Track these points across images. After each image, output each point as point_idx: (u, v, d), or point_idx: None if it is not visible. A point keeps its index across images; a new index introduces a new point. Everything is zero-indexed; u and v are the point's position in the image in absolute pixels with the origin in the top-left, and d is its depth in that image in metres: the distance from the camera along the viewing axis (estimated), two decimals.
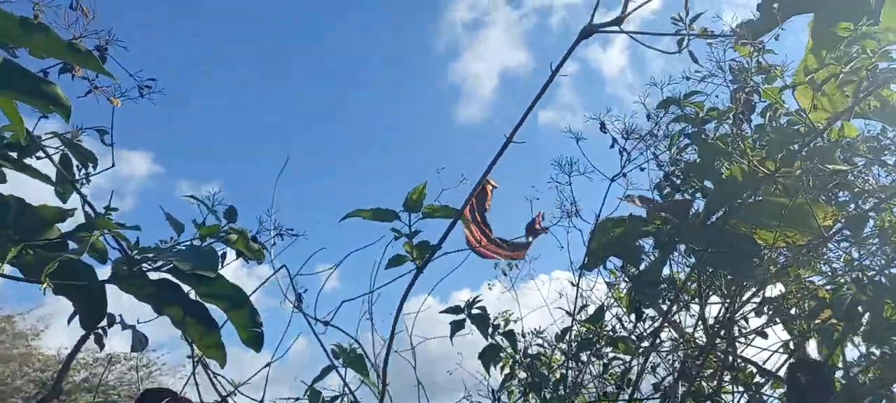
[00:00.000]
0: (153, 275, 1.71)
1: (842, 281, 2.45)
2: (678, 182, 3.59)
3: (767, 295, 3.41)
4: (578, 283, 3.19)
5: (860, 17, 2.63)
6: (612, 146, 2.88)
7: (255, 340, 1.73)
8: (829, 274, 2.93)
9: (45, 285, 1.64)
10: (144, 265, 1.69)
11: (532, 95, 1.94)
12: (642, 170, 3.48)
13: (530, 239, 3.22)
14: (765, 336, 2.89)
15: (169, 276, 1.69)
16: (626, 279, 4.02)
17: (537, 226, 3.19)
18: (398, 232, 2.31)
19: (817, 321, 2.36)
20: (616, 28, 1.62)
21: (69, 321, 2.21)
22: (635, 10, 1.62)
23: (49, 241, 1.78)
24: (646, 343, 3.21)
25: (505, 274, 3.94)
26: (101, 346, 2.34)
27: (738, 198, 2.92)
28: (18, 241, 1.69)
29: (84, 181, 2.37)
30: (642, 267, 3.23)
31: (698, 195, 3.37)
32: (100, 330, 2.27)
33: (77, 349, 2.31)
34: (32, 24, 1.35)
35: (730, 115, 2.47)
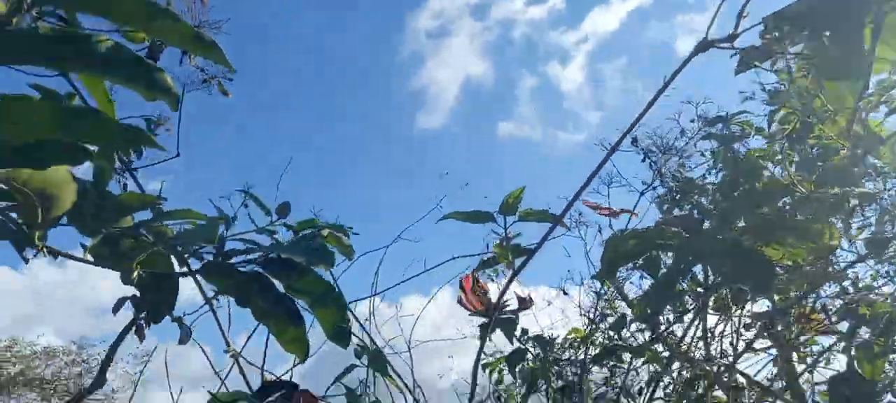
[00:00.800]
0: (242, 267, 1.68)
1: (873, 297, 2.56)
2: (677, 197, 3.71)
3: (757, 310, 3.54)
4: (601, 292, 3.23)
5: (855, 48, 2.77)
6: (643, 160, 2.96)
7: (341, 336, 1.71)
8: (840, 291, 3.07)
9: (136, 273, 1.58)
10: (240, 256, 1.65)
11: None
12: (647, 186, 3.62)
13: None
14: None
15: (258, 269, 1.66)
16: (617, 291, 4.13)
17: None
18: (497, 234, 2.31)
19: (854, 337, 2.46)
20: (729, 45, 1.67)
21: (115, 310, 2.13)
22: (747, 30, 1.67)
23: (124, 229, 1.72)
24: (665, 353, 3.28)
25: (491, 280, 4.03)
26: (142, 338, 2.27)
27: (751, 212, 3.02)
28: (99, 228, 1.63)
29: (131, 166, 2.31)
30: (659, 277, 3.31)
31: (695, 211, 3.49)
32: (142, 322, 2.21)
33: (120, 339, 2.23)
34: (161, 9, 1.29)
35: (783, 136, 2.55)
